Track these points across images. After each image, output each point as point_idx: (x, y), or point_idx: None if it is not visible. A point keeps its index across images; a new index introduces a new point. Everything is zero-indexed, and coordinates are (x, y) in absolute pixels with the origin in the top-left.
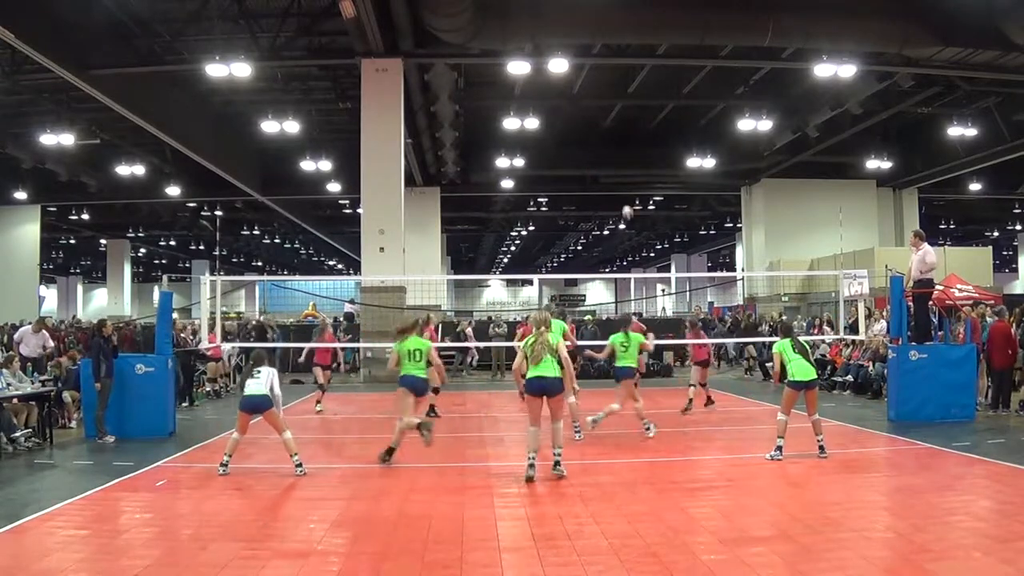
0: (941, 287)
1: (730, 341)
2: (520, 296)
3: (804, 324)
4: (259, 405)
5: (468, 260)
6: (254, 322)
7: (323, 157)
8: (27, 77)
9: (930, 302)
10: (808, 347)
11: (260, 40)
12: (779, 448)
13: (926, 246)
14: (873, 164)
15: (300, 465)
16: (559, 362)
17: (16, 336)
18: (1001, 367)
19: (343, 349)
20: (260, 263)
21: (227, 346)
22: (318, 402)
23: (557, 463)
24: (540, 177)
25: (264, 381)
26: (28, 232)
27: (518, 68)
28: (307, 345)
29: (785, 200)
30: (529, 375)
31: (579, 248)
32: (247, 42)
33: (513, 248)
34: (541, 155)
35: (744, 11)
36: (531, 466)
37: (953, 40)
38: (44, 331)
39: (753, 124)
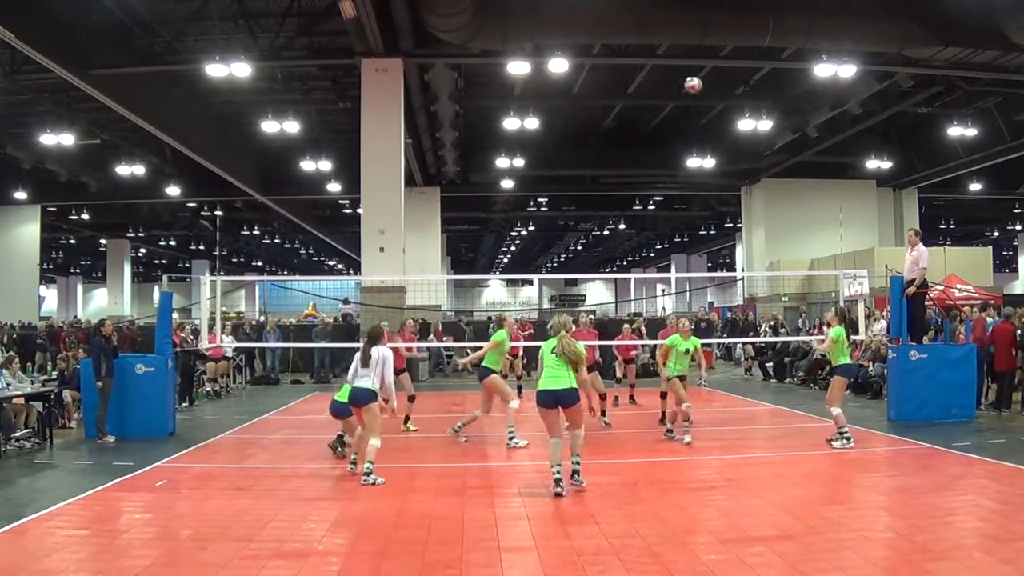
0: (941, 287)
1: (728, 341)
2: (520, 296)
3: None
4: (360, 400)
5: (468, 260)
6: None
7: (323, 157)
8: (27, 77)
9: (926, 301)
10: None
11: (260, 40)
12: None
13: (921, 247)
14: (873, 164)
15: (368, 474)
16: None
17: None
18: (1004, 369)
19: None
20: (260, 263)
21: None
22: (407, 419)
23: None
24: (540, 177)
25: (374, 370)
26: (28, 232)
27: (518, 68)
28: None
29: (785, 200)
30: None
31: (579, 248)
32: (247, 42)
33: (513, 248)
34: (541, 155)
35: (744, 11)
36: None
37: (953, 40)
38: None
39: (753, 124)
